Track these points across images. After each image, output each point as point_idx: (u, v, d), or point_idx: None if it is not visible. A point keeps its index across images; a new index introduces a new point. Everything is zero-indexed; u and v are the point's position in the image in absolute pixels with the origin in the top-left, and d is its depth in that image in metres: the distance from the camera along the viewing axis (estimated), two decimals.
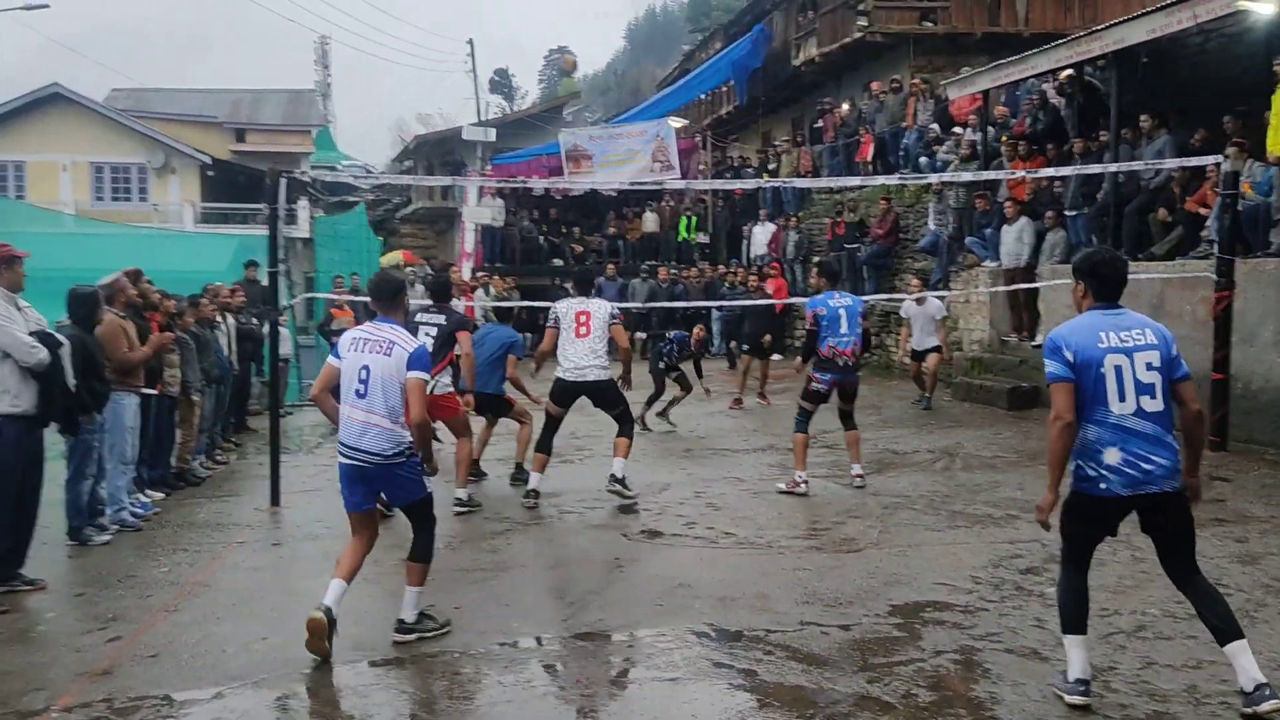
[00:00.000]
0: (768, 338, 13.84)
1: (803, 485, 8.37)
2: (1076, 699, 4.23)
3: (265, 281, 10.65)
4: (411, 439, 5.12)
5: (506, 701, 4.52)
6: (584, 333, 8.13)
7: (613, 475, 8.18)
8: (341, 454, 5.17)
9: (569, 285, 8.73)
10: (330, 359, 5.37)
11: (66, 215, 26.83)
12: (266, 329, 10.40)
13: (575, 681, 4.70)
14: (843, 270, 18.10)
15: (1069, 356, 4.15)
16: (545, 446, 8.29)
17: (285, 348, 14.31)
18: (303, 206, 29.94)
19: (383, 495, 5.63)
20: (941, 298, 14.83)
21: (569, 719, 4.35)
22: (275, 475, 8.49)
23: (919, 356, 13.19)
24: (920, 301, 13.25)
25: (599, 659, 4.97)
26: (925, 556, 6.57)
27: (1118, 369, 4.11)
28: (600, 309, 8.29)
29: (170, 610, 5.82)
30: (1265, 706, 3.96)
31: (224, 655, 5.12)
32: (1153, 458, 4.09)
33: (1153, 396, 4.12)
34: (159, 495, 8.67)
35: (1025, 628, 5.23)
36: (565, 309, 8.27)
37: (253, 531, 7.73)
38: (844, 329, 8.42)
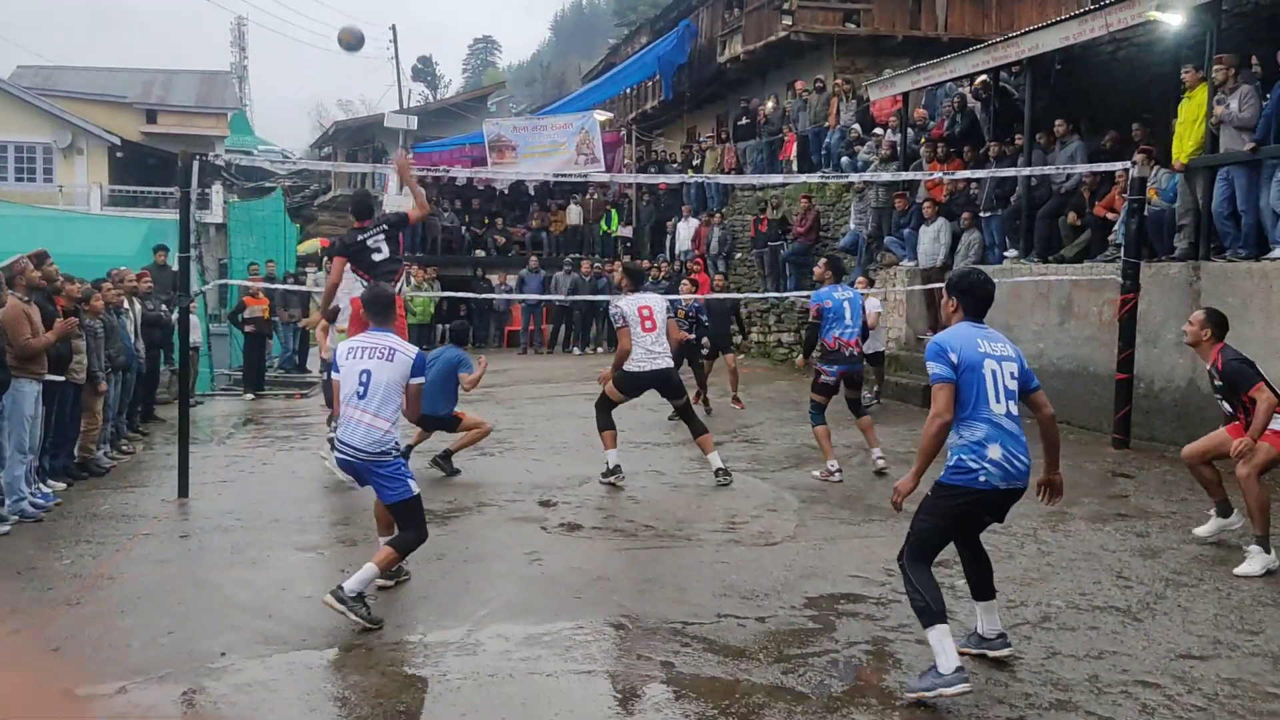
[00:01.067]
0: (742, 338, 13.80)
1: (837, 474, 8.61)
2: (960, 687, 4.19)
3: (175, 267, 10.38)
4: (392, 445, 5.53)
5: (421, 695, 4.47)
6: (650, 326, 8.46)
7: (718, 470, 8.52)
8: (337, 450, 5.69)
9: (623, 282, 8.80)
10: (334, 375, 5.75)
11: None
12: (175, 316, 10.14)
13: (491, 674, 4.67)
14: (764, 267, 18.34)
15: (953, 359, 4.47)
16: (609, 424, 8.65)
17: (196, 335, 13.98)
18: (216, 191, 29.26)
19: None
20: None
21: (484, 712, 4.31)
22: (184, 466, 8.28)
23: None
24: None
25: (515, 651, 4.94)
26: (840, 550, 6.66)
27: (994, 373, 4.48)
28: (658, 302, 8.72)
29: (72, 603, 5.64)
30: (1004, 652, 4.72)
31: (128, 649, 4.98)
32: (1021, 457, 4.45)
33: (1015, 402, 4.52)
34: (61, 485, 8.40)
35: None
36: (629, 307, 8.47)
37: (159, 523, 7.52)
38: (848, 320, 8.75)
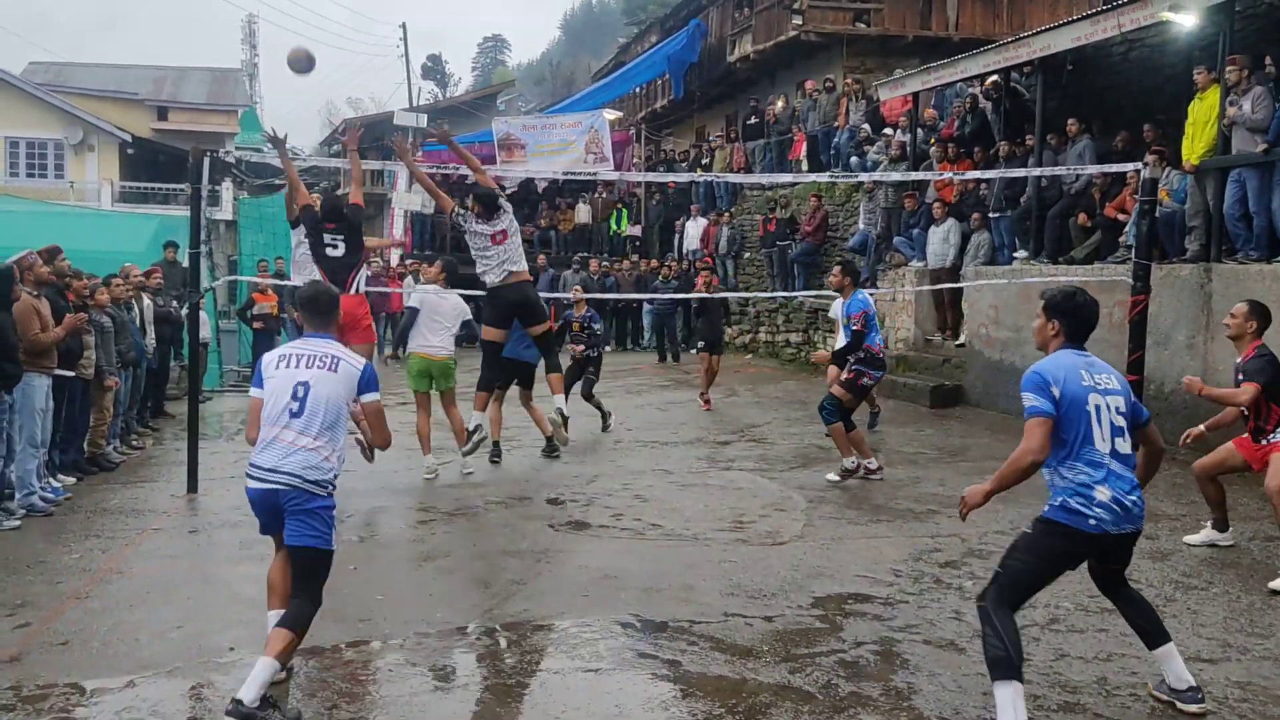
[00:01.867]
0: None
1: (878, 471, 8.62)
2: None
3: (185, 263, 10.40)
4: (333, 476, 4.44)
5: (428, 692, 4.48)
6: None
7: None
8: (252, 477, 4.39)
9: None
10: (254, 392, 4.54)
11: None
12: (185, 312, 10.17)
13: (499, 672, 4.67)
14: (772, 267, 18.32)
15: (1055, 393, 4.06)
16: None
17: (205, 332, 14.01)
18: (226, 188, 29.33)
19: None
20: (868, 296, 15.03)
21: (492, 710, 4.32)
22: (193, 461, 8.30)
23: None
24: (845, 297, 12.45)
25: (523, 649, 4.95)
26: (847, 550, 6.65)
27: (1098, 408, 4.09)
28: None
29: (81, 597, 5.66)
30: (1194, 708, 4.19)
31: (137, 643, 5.00)
32: (1132, 495, 4.10)
33: (1123, 439, 4.14)
34: (71, 480, 8.43)
35: (943, 620, 5.32)
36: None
37: (168, 518, 7.54)
38: (878, 326, 8.78)
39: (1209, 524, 6.72)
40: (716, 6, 26.32)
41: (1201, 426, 6.60)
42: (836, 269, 9.08)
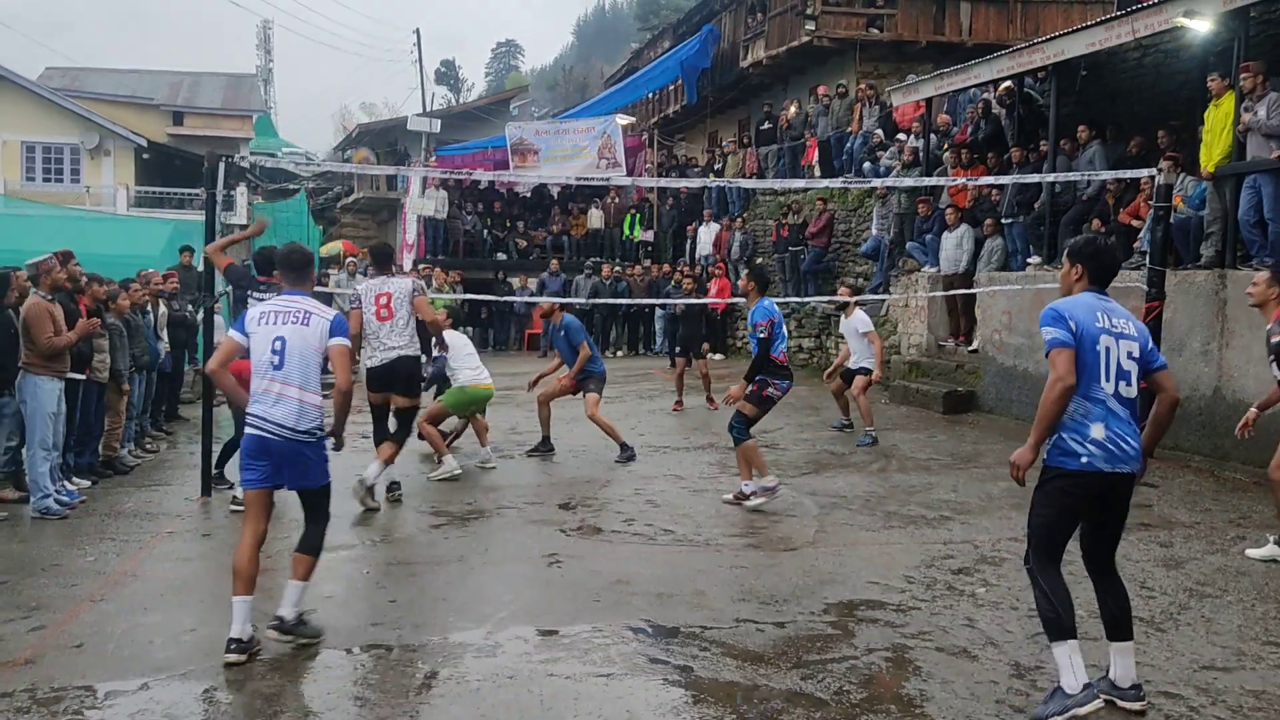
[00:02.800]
0: (705, 346, 13.84)
1: (775, 490, 7.97)
2: (1093, 705, 4.03)
3: (201, 268, 10.45)
4: (321, 419, 4.99)
5: (440, 696, 4.48)
6: (385, 315, 8.02)
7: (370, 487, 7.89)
8: (250, 424, 4.94)
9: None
10: (232, 333, 5.14)
11: None
12: (200, 316, 10.22)
13: (510, 677, 4.67)
14: (785, 272, 18.30)
15: (1072, 327, 4.18)
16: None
17: (220, 336, 14.07)
18: (241, 193, 29.42)
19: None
20: (880, 301, 15.00)
21: (502, 713, 4.32)
22: (206, 465, 8.34)
23: (848, 376, 11.35)
24: (848, 314, 11.47)
25: (534, 653, 4.95)
26: (860, 556, 6.64)
27: (1108, 350, 4.21)
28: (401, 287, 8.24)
29: (96, 600, 5.69)
30: (1135, 705, 4.24)
31: (150, 646, 5.02)
32: (1129, 439, 4.21)
33: (1128, 384, 4.25)
34: (86, 483, 8.47)
35: (956, 627, 5.31)
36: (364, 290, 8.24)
37: (182, 521, 7.58)
38: (785, 335, 8.26)
39: (1273, 537, 6.49)
40: (729, 12, 26.33)
41: (1253, 409, 6.52)
42: (745, 273, 8.65)
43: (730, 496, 8.07)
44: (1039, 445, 4.25)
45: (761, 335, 7.89)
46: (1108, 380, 4.20)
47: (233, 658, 4.72)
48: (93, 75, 38.09)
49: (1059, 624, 4.12)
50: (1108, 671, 4.34)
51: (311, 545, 5.03)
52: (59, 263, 7.98)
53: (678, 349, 14.11)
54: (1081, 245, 4.48)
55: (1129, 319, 4.34)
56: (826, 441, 10.81)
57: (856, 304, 11.58)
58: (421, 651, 4.97)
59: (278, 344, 4.93)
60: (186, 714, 4.31)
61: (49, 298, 7.70)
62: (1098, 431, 4.16)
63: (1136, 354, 4.28)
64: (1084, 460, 4.15)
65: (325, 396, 5.04)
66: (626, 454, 9.79)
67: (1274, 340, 6.30)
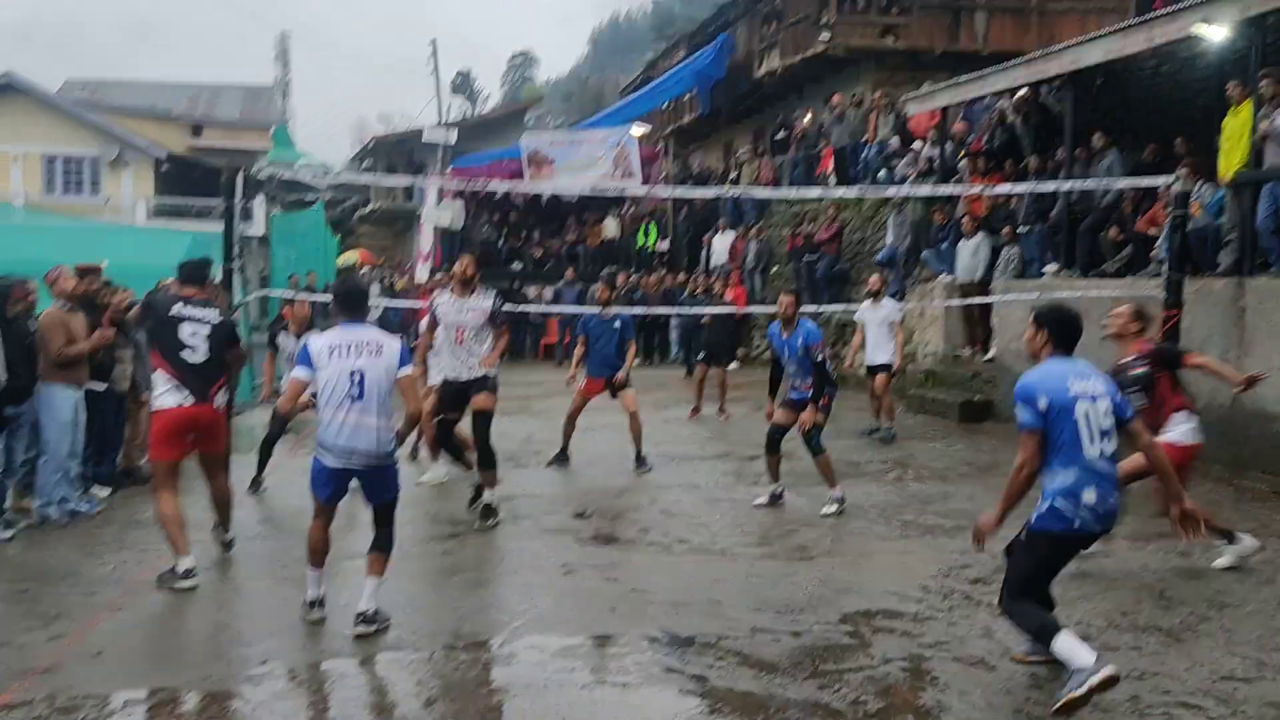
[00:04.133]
0: (741, 351, 13.78)
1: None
2: (1107, 670, 4.12)
3: (219, 278, 10.51)
4: (393, 443, 5.40)
5: (454, 704, 4.49)
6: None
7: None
8: (331, 456, 5.25)
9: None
10: (299, 372, 5.34)
11: (16, 207, 26.35)
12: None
13: (526, 686, 4.68)
14: (800, 281, 18.28)
15: (1041, 406, 4.41)
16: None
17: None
18: (259, 204, 29.59)
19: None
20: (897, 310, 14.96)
21: None
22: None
23: (871, 372, 11.64)
24: (876, 302, 11.66)
25: (550, 662, 4.95)
26: (876, 565, 6.62)
27: (1087, 415, 4.41)
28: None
29: (115, 608, 5.72)
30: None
31: (169, 655, 5.04)
32: (1113, 496, 4.46)
33: (1110, 441, 4.46)
34: (105, 492, 8.52)
35: (973, 637, 5.28)
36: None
37: (201, 530, 7.59)
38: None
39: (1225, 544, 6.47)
40: (744, 22, 26.35)
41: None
42: (789, 298, 8.54)
43: (832, 509, 7.99)
44: (1003, 517, 4.59)
45: (818, 358, 8.04)
46: (1091, 445, 4.40)
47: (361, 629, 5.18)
48: (112, 88, 38.42)
49: (1046, 627, 4.34)
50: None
51: (385, 543, 5.41)
52: (73, 273, 8.02)
53: (701, 355, 14.13)
54: (1047, 311, 4.70)
55: (1096, 377, 4.54)
56: (842, 450, 10.75)
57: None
58: (437, 660, 4.98)
59: (357, 377, 5.21)
60: None
61: (67, 307, 7.76)
62: (1089, 496, 4.39)
63: (1110, 410, 4.48)
64: (1077, 525, 4.42)
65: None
66: (645, 466, 9.78)
67: (1133, 373, 6.37)
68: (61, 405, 7.61)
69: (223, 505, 6.71)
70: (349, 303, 5.50)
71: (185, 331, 6.15)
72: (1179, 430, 6.34)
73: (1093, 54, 11.69)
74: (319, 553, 5.42)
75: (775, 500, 8.33)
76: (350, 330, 5.35)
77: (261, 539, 7.30)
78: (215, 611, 5.71)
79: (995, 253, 13.45)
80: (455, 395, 7.79)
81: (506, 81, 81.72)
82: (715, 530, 7.52)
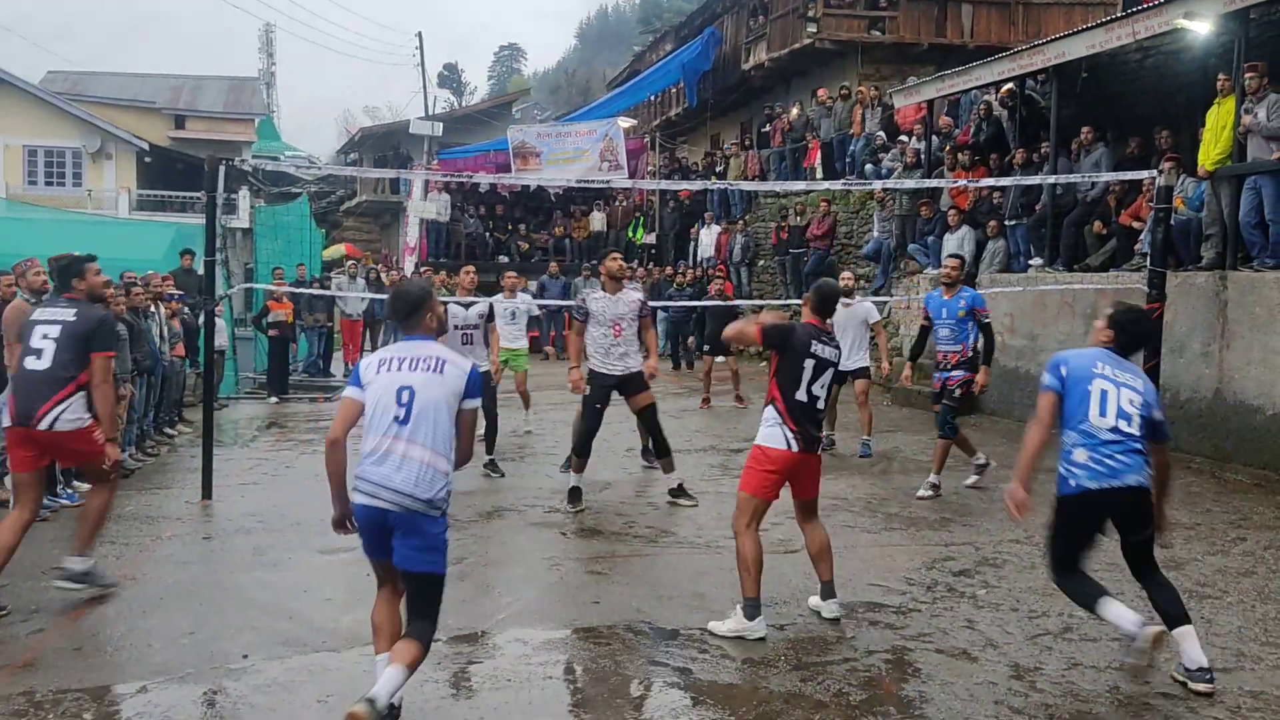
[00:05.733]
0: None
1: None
2: (1152, 628, 4.32)
3: (202, 271, 10.46)
4: (447, 491, 4.15)
5: (441, 698, 4.48)
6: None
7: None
8: (360, 491, 4.09)
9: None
10: (350, 391, 4.22)
11: None
12: (201, 319, 10.22)
13: (509, 678, 4.67)
14: (785, 275, 18.30)
15: (1063, 372, 4.67)
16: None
17: (221, 339, 14.09)
18: (243, 196, 29.48)
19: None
20: (883, 304, 14.99)
21: (502, 715, 4.32)
22: (207, 468, 8.34)
23: (846, 378, 10.07)
24: (847, 304, 10.06)
25: (534, 655, 4.95)
26: (860, 558, 6.63)
27: (1103, 392, 4.58)
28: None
29: (95, 603, 5.69)
30: (1203, 687, 4.46)
31: (150, 649, 5.02)
32: (1119, 457, 4.50)
33: (1129, 423, 4.55)
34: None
35: (956, 628, 5.30)
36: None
37: (182, 524, 7.58)
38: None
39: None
40: (731, 15, 26.36)
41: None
42: (955, 261, 9.03)
43: (927, 491, 8.37)
44: (1023, 479, 4.70)
45: (985, 320, 8.72)
46: (1103, 415, 4.54)
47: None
48: (94, 79, 38.13)
49: (1091, 597, 4.51)
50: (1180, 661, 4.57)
51: (420, 636, 4.10)
52: (38, 265, 7.88)
53: (706, 347, 14.20)
54: (1122, 314, 4.85)
55: (1140, 376, 4.71)
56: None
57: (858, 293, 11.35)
58: None
59: (404, 395, 4.09)
60: (186, 717, 4.31)
61: (33, 300, 7.66)
62: (1080, 455, 4.54)
63: (1138, 402, 4.59)
64: (1073, 484, 4.54)
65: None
66: (652, 462, 9.35)
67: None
68: None
69: (86, 522, 5.93)
70: (400, 313, 4.35)
71: (36, 336, 5.57)
72: None
73: (1077, 47, 11.74)
74: (374, 632, 4.28)
75: (935, 491, 8.40)
76: (407, 344, 4.26)
77: (244, 533, 7.27)
78: (197, 606, 5.68)
79: (980, 246, 13.49)
80: (607, 389, 8.17)
81: (493, 74, 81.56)
82: (700, 523, 7.53)
